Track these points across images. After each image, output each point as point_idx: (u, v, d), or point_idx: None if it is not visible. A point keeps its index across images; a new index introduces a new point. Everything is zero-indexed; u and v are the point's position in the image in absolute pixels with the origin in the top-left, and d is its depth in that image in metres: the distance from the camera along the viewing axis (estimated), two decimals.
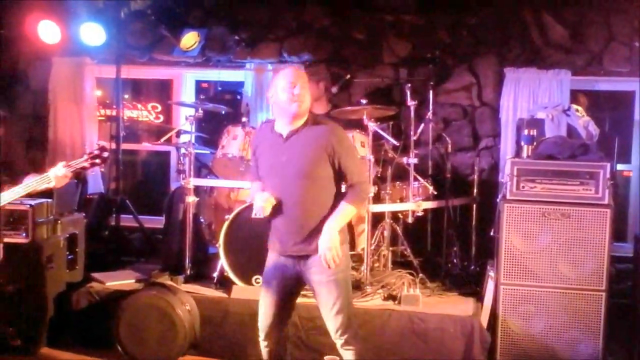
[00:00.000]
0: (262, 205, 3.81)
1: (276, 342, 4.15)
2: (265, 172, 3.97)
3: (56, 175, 3.99)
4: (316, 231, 3.82)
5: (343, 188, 3.94)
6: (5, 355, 5.13)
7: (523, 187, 5.07)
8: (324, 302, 3.93)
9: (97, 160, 4.10)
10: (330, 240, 3.76)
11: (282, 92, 3.81)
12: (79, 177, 7.06)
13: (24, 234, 5.25)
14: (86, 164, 4.08)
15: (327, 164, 3.82)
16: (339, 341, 3.97)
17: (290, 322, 4.94)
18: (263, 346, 4.14)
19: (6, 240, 5.15)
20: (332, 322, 3.95)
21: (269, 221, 3.97)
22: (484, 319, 5.05)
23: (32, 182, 4.05)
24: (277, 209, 3.86)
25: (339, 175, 3.88)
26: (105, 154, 4.12)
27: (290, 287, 4.03)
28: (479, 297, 5.41)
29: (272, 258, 4.04)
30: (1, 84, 4.24)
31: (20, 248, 5.19)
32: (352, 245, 6.11)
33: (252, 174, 4.25)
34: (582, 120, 5.89)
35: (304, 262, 3.90)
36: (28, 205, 5.25)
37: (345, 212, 3.85)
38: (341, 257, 3.84)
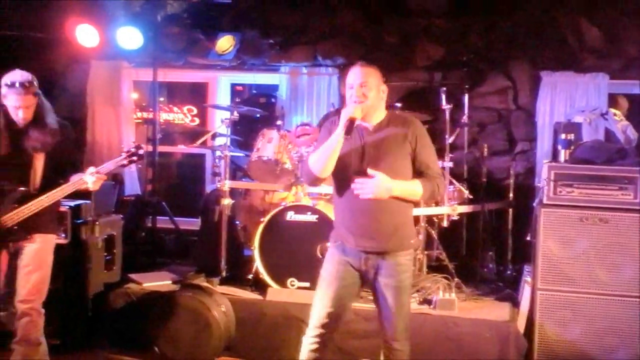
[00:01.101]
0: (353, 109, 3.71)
1: (324, 342, 3.94)
2: (343, 162, 3.81)
3: (91, 180, 4.22)
4: (392, 228, 3.76)
5: None
6: None
7: (560, 191, 5.03)
8: (385, 305, 3.82)
9: (134, 158, 4.35)
10: (386, 180, 3.64)
11: (347, 92, 3.85)
12: (116, 178, 7.16)
13: (63, 235, 5.32)
14: (125, 162, 4.34)
15: (408, 157, 3.79)
16: (388, 344, 3.88)
17: None
18: (308, 343, 3.92)
19: None
20: (393, 326, 3.85)
21: (338, 214, 3.93)
22: (520, 325, 5.01)
23: (67, 185, 4.28)
24: (351, 202, 3.77)
25: (418, 169, 3.82)
26: (141, 152, 4.37)
27: (351, 286, 3.90)
28: (515, 302, 5.38)
29: (335, 254, 3.91)
30: (41, 86, 4.34)
31: (59, 248, 5.25)
32: None
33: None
34: (621, 124, 5.83)
35: (372, 261, 3.79)
36: (67, 207, 5.33)
37: (413, 185, 3.74)
38: (409, 263, 3.86)
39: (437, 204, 5.95)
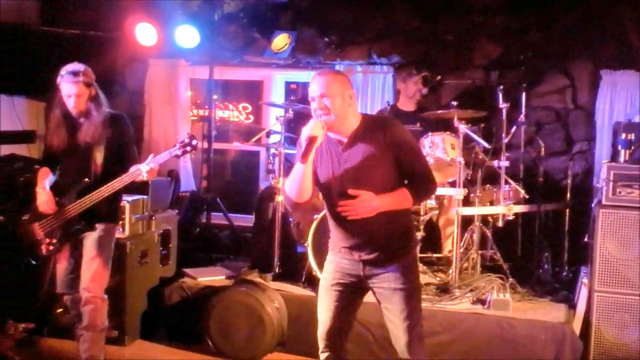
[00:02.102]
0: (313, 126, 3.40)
1: (337, 352, 3.75)
2: (325, 181, 3.59)
3: (145, 169, 4.28)
4: (387, 239, 3.55)
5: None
6: None
7: (620, 192, 4.93)
8: (398, 313, 3.56)
9: (188, 148, 4.34)
10: (371, 199, 3.39)
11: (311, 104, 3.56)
12: (172, 175, 7.27)
13: (120, 229, 5.41)
14: (179, 152, 4.32)
15: (390, 164, 3.49)
16: (404, 357, 3.62)
17: (377, 324, 4.96)
18: (322, 358, 3.75)
19: None
20: (405, 337, 3.57)
21: (332, 229, 3.70)
22: (577, 327, 4.93)
23: (125, 176, 4.34)
24: (342, 220, 3.52)
25: (404, 173, 3.55)
26: (195, 142, 4.35)
27: (352, 294, 3.69)
28: (571, 304, 5.28)
29: (334, 261, 3.72)
30: (101, 84, 4.44)
31: (117, 243, 5.35)
32: (440, 248, 6.11)
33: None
34: None
35: (373, 267, 3.59)
36: (125, 201, 5.42)
37: (399, 196, 3.49)
38: (412, 265, 3.66)
39: (492, 203, 5.90)
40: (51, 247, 4.45)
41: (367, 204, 3.41)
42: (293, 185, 3.53)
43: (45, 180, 4.49)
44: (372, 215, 3.43)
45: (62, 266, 4.61)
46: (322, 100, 3.47)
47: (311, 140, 3.38)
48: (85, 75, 4.37)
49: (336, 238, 3.69)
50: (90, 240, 4.47)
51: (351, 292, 3.69)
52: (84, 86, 4.36)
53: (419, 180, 3.57)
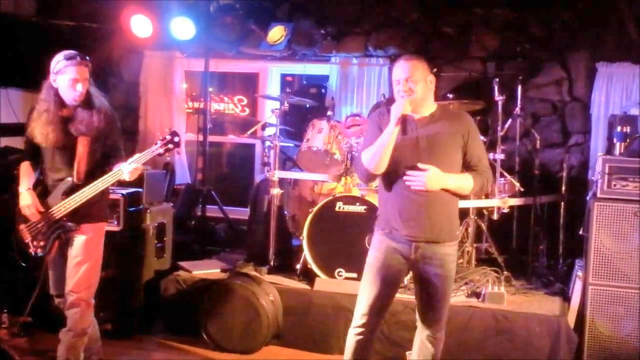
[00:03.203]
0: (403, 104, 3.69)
1: (372, 331, 3.91)
2: (396, 154, 3.76)
3: (127, 169, 4.08)
4: (442, 219, 3.78)
5: None
6: None
7: (615, 185, 4.93)
8: (433, 294, 3.84)
9: (170, 146, 4.13)
10: (439, 172, 3.67)
11: (395, 87, 3.84)
12: (168, 167, 7.26)
13: (115, 222, 5.40)
14: (160, 150, 4.13)
15: (459, 151, 3.79)
16: (431, 334, 3.92)
17: None
18: (354, 334, 3.89)
19: None
20: (433, 315, 3.89)
21: (387, 204, 3.88)
22: (571, 320, 4.94)
23: (107, 176, 4.14)
24: (402, 194, 3.76)
25: (468, 162, 3.83)
26: (177, 139, 4.15)
27: (398, 273, 3.88)
28: (566, 296, 5.30)
29: (384, 241, 3.86)
30: (96, 75, 4.34)
31: (112, 236, 5.35)
32: None
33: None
34: None
35: (422, 250, 3.76)
36: (120, 195, 5.41)
37: (464, 179, 3.77)
38: (455, 254, 3.89)
39: (487, 196, 5.90)
40: (39, 249, 4.25)
41: (434, 177, 3.67)
42: (375, 156, 3.74)
43: (28, 178, 4.30)
44: (433, 191, 3.69)
45: (55, 267, 4.39)
46: (407, 82, 3.75)
47: (403, 117, 3.67)
48: (89, 60, 4.18)
49: (391, 212, 3.83)
50: (77, 242, 4.25)
51: (398, 272, 3.88)
52: (88, 70, 4.16)
53: (481, 170, 3.83)
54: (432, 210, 3.75)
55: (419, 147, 3.76)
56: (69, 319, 4.30)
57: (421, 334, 3.96)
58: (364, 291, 3.89)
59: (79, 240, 4.26)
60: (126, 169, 4.08)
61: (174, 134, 4.16)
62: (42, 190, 4.30)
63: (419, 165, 3.69)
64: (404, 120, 3.67)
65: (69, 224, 4.21)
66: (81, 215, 4.22)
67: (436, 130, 3.78)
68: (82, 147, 4.19)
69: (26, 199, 4.22)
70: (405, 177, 3.72)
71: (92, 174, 4.20)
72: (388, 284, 3.85)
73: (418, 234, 3.76)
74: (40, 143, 4.22)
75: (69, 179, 4.20)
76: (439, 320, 3.91)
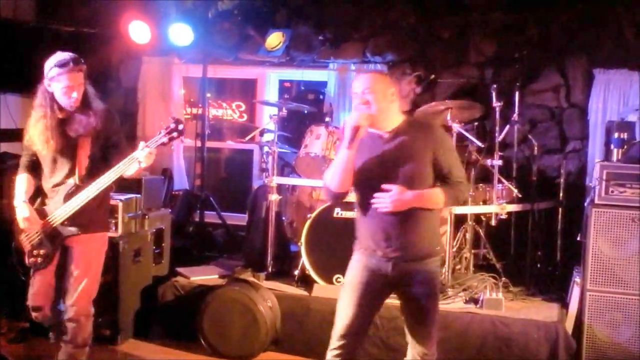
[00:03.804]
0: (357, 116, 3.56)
1: (350, 353, 3.74)
2: (362, 173, 3.67)
3: (142, 155, 3.95)
4: (417, 236, 3.64)
5: None
6: (95, 344, 5.30)
7: (612, 191, 4.94)
8: (417, 314, 3.73)
9: (175, 134, 4.00)
10: (404, 193, 3.51)
11: (353, 100, 3.70)
12: (166, 173, 7.26)
13: (113, 228, 5.40)
14: (165, 139, 4.00)
15: (428, 164, 3.62)
16: (422, 351, 3.76)
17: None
18: (332, 355, 3.74)
19: None
20: (421, 333, 3.75)
21: (363, 224, 3.76)
22: (569, 326, 4.94)
23: (121, 165, 4.00)
24: (375, 214, 3.62)
25: (440, 174, 3.66)
26: (181, 127, 4.01)
27: (378, 292, 3.74)
28: (564, 303, 5.29)
29: (362, 259, 3.74)
30: (94, 81, 4.30)
31: (110, 241, 5.34)
32: None
33: None
34: None
35: (402, 268, 3.64)
36: (118, 200, 5.41)
37: (433, 194, 3.62)
38: (438, 270, 3.78)
39: (484, 202, 5.91)
40: (39, 260, 4.15)
41: (402, 197, 3.52)
42: (335, 175, 3.64)
43: (25, 191, 4.19)
44: (403, 210, 3.54)
45: (42, 277, 4.25)
46: (364, 95, 3.61)
47: (356, 129, 3.52)
48: (83, 63, 4.08)
49: (366, 234, 3.74)
50: (76, 253, 4.17)
51: (377, 292, 3.74)
52: (83, 75, 4.08)
53: (454, 182, 3.68)
54: (406, 229, 3.61)
55: (385, 166, 3.61)
56: (69, 331, 4.23)
57: (413, 350, 3.81)
58: (341, 312, 3.74)
59: (78, 251, 4.18)
60: (141, 154, 3.95)
61: (177, 121, 4.03)
62: (41, 199, 4.23)
63: (383, 186, 3.54)
64: (355, 133, 3.51)
65: (70, 228, 4.12)
66: (82, 224, 4.14)
67: (401, 146, 3.62)
68: (82, 148, 4.13)
69: (23, 212, 4.12)
70: (372, 201, 3.57)
71: (94, 175, 4.10)
72: (367, 304, 3.72)
73: (394, 255, 3.64)
74: (41, 150, 4.14)
75: (71, 181, 4.12)
76: (427, 338, 3.75)
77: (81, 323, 4.23)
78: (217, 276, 5.87)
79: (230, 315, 5.24)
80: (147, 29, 7.08)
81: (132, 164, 4.01)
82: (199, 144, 7.42)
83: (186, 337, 5.43)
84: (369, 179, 3.63)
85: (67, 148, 4.13)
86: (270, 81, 7.98)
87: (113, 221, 5.38)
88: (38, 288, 4.27)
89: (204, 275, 5.84)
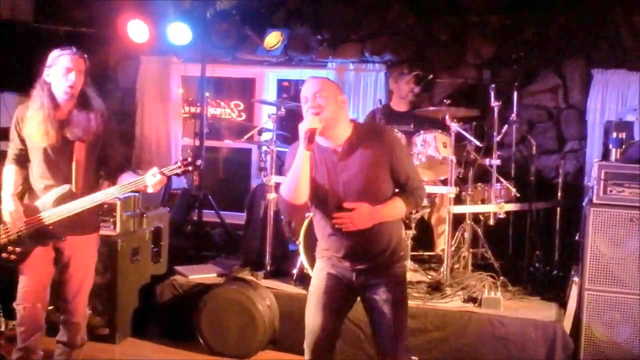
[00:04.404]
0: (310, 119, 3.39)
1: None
2: (319, 190, 3.54)
3: (152, 182, 3.84)
4: (380, 247, 3.54)
5: None
6: (93, 343, 5.30)
7: (610, 191, 4.94)
8: (382, 322, 3.56)
9: (190, 168, 3.90)
10: (368, 210, 3.41)
11: (303, 106, 3.53)
12: None
13: (112, 227, 5.40)
14: (179, 171, 3.89)
15: (386, 173, 3.49)
16: None
17: (368, 322, 4.97)
18: None
19: None
20: (392, 347, 3.57)
21: (322, 237, 3.64)
22: (567, 325, 4.93)
23: (127, 184, 3.94)
24: (334, 229, 3.50)
25: (398, 181, 3.54)
26: (199, 162, 3.94)
27: (343, 299, 3.66)
28: (562, 302, 5.29)
29: (324, 268, 3.66)
30: (93, 81, 4.24)
31: (108, 240, 5.35)
32: (432, 246, 6.11)
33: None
34: None
35: (365, 276, 3.56)
36: (116, 199, 5.40)
37: (395, 206, 3.51)
38: (403, 277, 3.66)
39: (482, 201, 5.91)
40: (13, 257, 3.99)
41: (364, 216, 3.42)
42: (290, 184, 3.47)
43: (13, 183, 4.05)
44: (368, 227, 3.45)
45: (36, 276, 4.11)
46: (316, 98, 3.44)
47: (310, 131, 3.36)
48: (86, 57, 4.02)
49: (327, 247, 3.63)
50: (73, 255, 4.08)
51: (342, 299, 3.66)
52: (84, 62, 3.97)
53: (412, 188, 3.57)
54: (368, 242, 3.52)
55: (342, 183, 3.48)
56: (67, 335, 4.24)
57: None
58: (308, 322, 3.68)
59: (71, 255, 4.09)
60: (151, 181, 3.84)
61: (196, 157, 3.97)
62: (30, 195, 4.09)
63: (345, 205, 3.42)
64: (312, 135, 3.36)
65: (56, 233, 3.98)
66: (75, 226, 4.01)
67: (357, 159, 3.47)
68: (79, 154, 4.00)
69: (9, 205, 3.99)
70: (333, 220, 3.44)
71: (90, 183, 4.04)
72: (333, 312, 3.63)
73: (357, 265, 3.55)
74: (38, 142, 3.98)
75: (66, 185, 3.98)
76: (394, 351, 3.57)
77: (80, 325, 4.26)
78: (215, 275, 5.87)
79: (229, 314, 5.24)
80: (145, 28, 7.08)
81: (139, 186, 3.91)
82: (197, 143, 7.41)
83: (184, 336, 5.42)
84: (329, 197, 3.51)
85: (64, 149, 3.99)
86: (269, 80, 7.98)
87: (111, 219, 5.38)
88: (31, 286, 4.12)
89: (202, 274, 5.84)
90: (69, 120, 3.99)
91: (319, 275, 3.68)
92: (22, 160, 4.11)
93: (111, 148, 4.15)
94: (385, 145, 3.50)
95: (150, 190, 3.89)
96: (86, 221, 4.09)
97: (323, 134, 3.46)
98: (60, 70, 3.94)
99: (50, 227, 3.97)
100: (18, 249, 4.00)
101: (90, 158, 4.05)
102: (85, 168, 4.03)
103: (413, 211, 5.75)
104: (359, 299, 3.71)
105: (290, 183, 3.47)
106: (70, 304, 4.18)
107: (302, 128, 3.39)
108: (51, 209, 3.96)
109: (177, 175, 3.95)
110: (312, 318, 3.66)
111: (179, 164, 3.90)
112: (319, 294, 3.65)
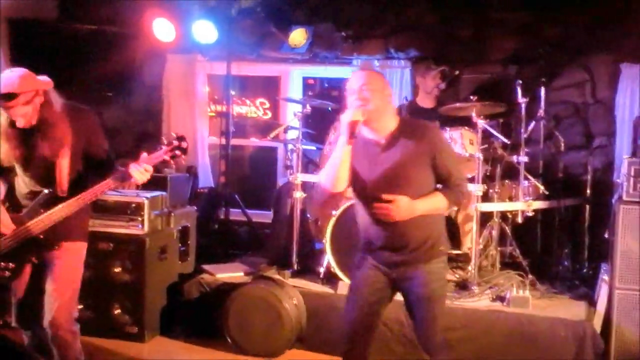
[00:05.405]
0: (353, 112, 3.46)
1: (361, 354, 3.72)
2: (361, 181, 3.62)
3: (135, 171, 3.67)
4: (419, 241, 3.59)
5: None
6: (122, 341, 5.36)
7: None
8: (422, 318, 3.65)
9: (177, 152, 3.76)
10: (407, 203, 3.45)
11: (349, 97, 3.59)
12: (191, 171, 7.29)
13: (139, 226, 5.45)
14: (166, 157, 3.76)
15: (427, 168, 3.56)
16: (430, 357, 3.70)
17: (395, 320, 4.96)
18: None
19: (124, 231, 5.38)
20: (428, 340, 3.67)
21: (362, 227, 3.72)
22: (597, 324, 4.89)
23: (111, 180, 3.73)
24: (374, 220, 3.58)
25: (440, 177, 3.61)
26: (185, 144, 3.78)
27: (382, 291, 3.70)
28: (591, 301, 5.25)
29: (364, 260, 3.73)
30: (118, 79, 4.21)
31: (136, 239, 5.39)
32: (459, 244, 6.07)
33: None
34: None
35: (402, 270, 3.63)
36: (144, 198, 5.44)
37: (435, 201, 3.57)
38: (443, 271, 3.71)
39: (510, 199, 5.86)
40: (7, 273, 3.76)
41: (404, 208, 3.46)
42: (331, 173, 3.55)
43: None
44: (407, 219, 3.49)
45: (20, 294, 3.94)
46: (362, 91, 3.51)
47: (352, 124, 3.44)
48: (22, 84, 3.62)
49: (368, 238, 3.70)
50: (58, 264, 3.81)
51: (381, 293, 3.71)
52: (23, 106, 3.61)
53: (454, 185, 3.62)
54: (407, 235, 3.58)
55: (383, 174, 3.55)
56: (57, 353, 3.87)
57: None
58: (346, 315, 3.74)
59: (57, 264, 3.83)
60: (135, 171, 3.68)
61: (180, 138, 3.81)
62: (14, 204, 3.87)
63: (384, 196, 3.47)
64: (353, 128, 3.43)
65: (48, 242, 3.79)
66: (61, 232, 3.80)
67: (399, 152, 3.54)
68: (60, 159, 3.75)
69: None
70: (374, 209, 3.51)
71: (77, 185, 3.83)
72: (372, 303, 3.69)
73: (395, 259, 3.62)
74: (7, 162, 3.79)
75: (48, 190, 3.78)
76: (429, 345, 3.67)
77: (67, 342, 3.87)
78: (242, 274, 5.89)
79: (255, 312, 5.25)
80: (170, 26, 7.09)
81: (125, 181, 3.75)
82: (223, 141, 7.43)
83: (211, 334, 5.45)
84: (369, 188, 3.58)
85: (40, 159, 3.77)
86: (294, 78, 7.97)
87: (139, 218, 5.42)
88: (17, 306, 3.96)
89: (230, 273, 5.86)
90: (35, 139, 3.75)
91: (360, 266, 3.74)
92: (2, 169, 3.91)
93: (97, 145, 3.91)
94: (428, 140, 3.56)
95: (138, 180, 3.72)
96: (73, 226, 3.85)
97: (367, 125, 3.55)
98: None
99: (41, 236, 3.76)
100: (10, 265, 3.80)
101: (74, 158, 3.83)
102: (70, 170, 3.81)
103: None
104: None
105: (330, 172, 3.57)
106: (51, 317, 3.79)
107: (344, 120, 3.47)
108: (39, 216, 3.76)
109: (165, 162, 3.84)
110: (351, 311, 3.72)
111: (163, 149, 3.77)
112: (359, 285, 3.73)
